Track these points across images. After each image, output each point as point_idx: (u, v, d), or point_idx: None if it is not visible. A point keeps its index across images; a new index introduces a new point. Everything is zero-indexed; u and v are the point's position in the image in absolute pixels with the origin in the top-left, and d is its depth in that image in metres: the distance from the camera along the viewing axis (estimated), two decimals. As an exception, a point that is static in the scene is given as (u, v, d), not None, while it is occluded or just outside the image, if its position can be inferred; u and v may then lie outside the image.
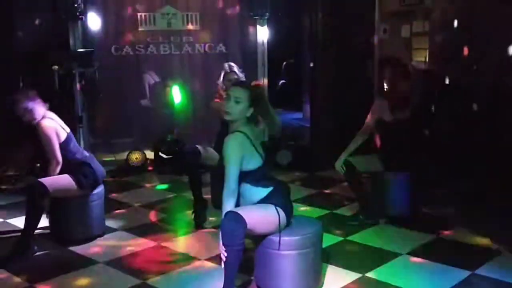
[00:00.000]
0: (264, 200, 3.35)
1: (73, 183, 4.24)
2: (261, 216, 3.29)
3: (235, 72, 4.89)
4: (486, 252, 4.06)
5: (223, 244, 3.12)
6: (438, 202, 5.08)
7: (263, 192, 3.37)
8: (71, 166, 4.29)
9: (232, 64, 5.02)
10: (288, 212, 3.39)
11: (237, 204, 3.33)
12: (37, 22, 6.13)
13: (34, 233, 4.14)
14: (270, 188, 3.39)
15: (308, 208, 5.17)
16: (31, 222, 4.07)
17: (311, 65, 6.72)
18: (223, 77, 4.90)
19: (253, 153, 3.36)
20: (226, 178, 3.28)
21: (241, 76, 4.90)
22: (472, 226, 4.54)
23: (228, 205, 3.26)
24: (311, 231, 3.40)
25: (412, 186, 4.72)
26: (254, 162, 3.37)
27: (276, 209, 3.31)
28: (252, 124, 3.45)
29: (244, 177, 3.34)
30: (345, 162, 4.60)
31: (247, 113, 3.39)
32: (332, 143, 6.31)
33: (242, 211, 3.20)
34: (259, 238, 3.39)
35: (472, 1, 5.46)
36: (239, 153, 3.29)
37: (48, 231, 4.47)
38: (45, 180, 4.14)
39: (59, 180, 4.22)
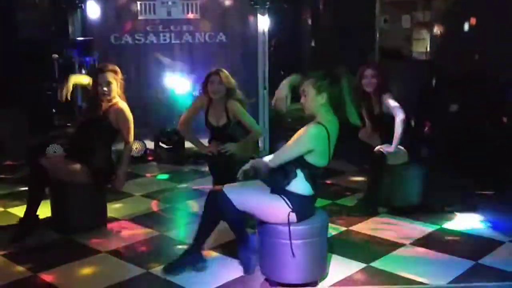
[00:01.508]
0: (295, 197, 3.27)
1: (84, 172, 4.20)
2: (268, 209, 3.30)
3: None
4: (490, 242, 4.07)
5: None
6: (442, 192, 5.09)
7: (305, 190, 3.30)
8: (102, 156, 4.27)
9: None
10: (302, 219, 3.33)
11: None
12: (37, 10, 6.08)
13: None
14: (312, 192, 3.34)
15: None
16: (31, 204, 4.10)
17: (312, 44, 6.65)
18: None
19: (324, 152, 3.28)
20: (279, 155, 3.26)
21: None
22: (475, 216, 4.56)
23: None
24: (317, 221, 3.39)
25: (422, 176, 4.73)
26: (320, 160, 3.29)
27: (290, 212, 3.26)
28: (332, 112, 3.31)
29: (303, 166, 3.26)
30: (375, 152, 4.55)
31: (320, 101, 3.28)
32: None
33: (246, 197, 3.26)
34: (263, 226, 3.39)
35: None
36: (312, 145, 3.22)
37: (50, 219, 4.44)
38: (53, 163, 4.15)
39: (70, 166, 4.20)
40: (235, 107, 4.36)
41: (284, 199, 3.27)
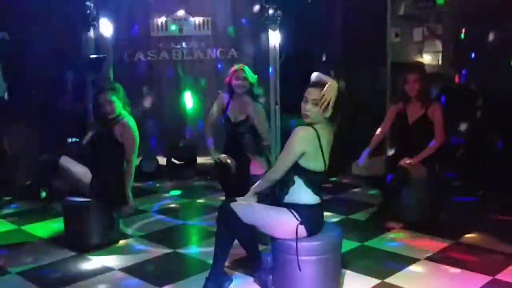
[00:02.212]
0: (301, 209, 3.23)
1: (87, 184, 4.25)
2: (276, 223, 3.26)
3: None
4: (507, 257, 4.00)
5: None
6: (456, 207, 5.05)
7: (309, 198, 3.26)
8: (111, 173, 4.29)
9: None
10: (313, 231, 3.31)
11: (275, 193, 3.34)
12: (50, 28, 6.14)
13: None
14: (317, 199, 3.30)
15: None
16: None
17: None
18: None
19: (317, 155, 3.22)
20: (277, 166, 3.23)
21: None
22: (492, 231, 4.50)
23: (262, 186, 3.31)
24: (331, 236, 3.36)
25: (434, 191, 4.70)
26: (315, 164, 3.24)
27: (298, 225, 3.21)
28: (331, 126, 3.30)
29: (301, 173, 3.22)
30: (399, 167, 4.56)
31: (326, 114, 3.24)
32: (345, 150, 6.27)
33: (252, 210, 3.23)
34: (274, 241, 3.37)
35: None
36: (302, 147, 3.17)
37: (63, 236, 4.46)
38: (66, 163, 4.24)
39: (79, 173, 4.28)
40: (258, 107, 4.58)
41: (291, 212, 3.23)
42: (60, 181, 4.26)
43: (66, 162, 4.27)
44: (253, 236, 3.40)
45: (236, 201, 3.34)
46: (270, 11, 6.48)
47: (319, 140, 3.20)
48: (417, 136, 4.70)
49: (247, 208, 3.28)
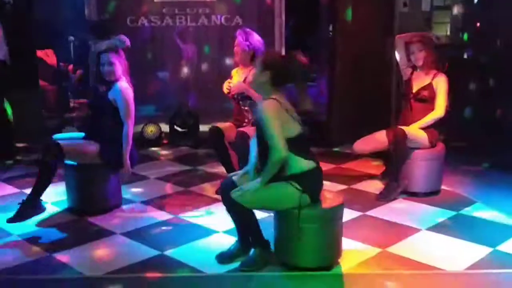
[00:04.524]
0: (300, 178, 3.22)
1: (96, 153, 4.20)
2: (280, 199, 3.26)
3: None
4: (508, 229, 4.00)
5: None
6: (459, 178, 5.03)
7: (303, 165, 3.24)
8: (115, 136, 4.23)
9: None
10: (316, 197, 3.32)
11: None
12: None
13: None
14: (312, 164, 3.29)
15: (326, 183, 5.10)
16: (41, 182, 4.09)
17: (330, 34, 6.54)
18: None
19: (289, 120, 3.22)
20: (274, 145, 3.13)
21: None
22: (494, 203, 4.49)
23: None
24: (332, 205, 3.35)
25: (438, 162, 4.68)
26: (292, 129, 3.23)
27: (301, 195, 3.22)
28: (281, 92, 3.29)
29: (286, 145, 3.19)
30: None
31: (263, 79, 3.25)
32: (349, 119, 6.24)
33: (252, 196, 3.21)
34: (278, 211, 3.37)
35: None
36: (277, 117, 3.15)
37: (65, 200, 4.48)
38: (66, 144, 4.13)
39: (83, 147, 4.21)
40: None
41: (291, 184, 3.22)
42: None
43: (67, 145, 4.19)
44: (256, 220, 3.41)
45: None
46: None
47: (283, 107, 3.21)
48: (418, 106, 4.65)
49: (247, 193, 3.23)
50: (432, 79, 4.64)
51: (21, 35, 5.93)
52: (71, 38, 6.14)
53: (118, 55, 4.27)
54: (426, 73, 4.68)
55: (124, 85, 4.23)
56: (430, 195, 4.65)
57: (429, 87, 4.63)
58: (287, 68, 3.29)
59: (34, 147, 6.07)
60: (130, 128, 4.21)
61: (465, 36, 6.27)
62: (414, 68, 4.77)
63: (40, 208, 4.16)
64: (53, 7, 6.38)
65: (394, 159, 4.60)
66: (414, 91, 4.70)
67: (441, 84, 4.60)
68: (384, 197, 4.57)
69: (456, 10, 6.41)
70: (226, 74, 5.14)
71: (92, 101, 4.58)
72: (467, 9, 6.21)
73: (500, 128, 5.64)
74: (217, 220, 4.18)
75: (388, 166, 4.83)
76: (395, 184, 4.61)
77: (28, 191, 4.86)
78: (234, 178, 3.47)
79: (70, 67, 5.72)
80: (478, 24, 6.04)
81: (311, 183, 3.27)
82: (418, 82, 4.71)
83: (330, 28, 6.50)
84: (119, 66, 4.25)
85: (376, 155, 5.30)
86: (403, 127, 4.57)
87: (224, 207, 3.47)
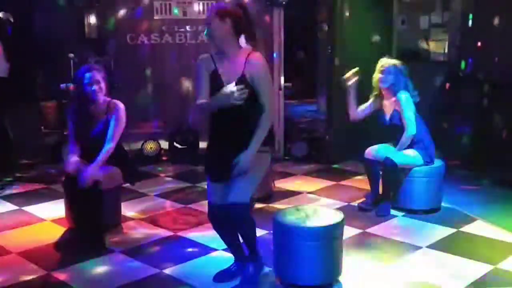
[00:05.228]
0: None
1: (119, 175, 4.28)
2: (259, 176, 3.28)
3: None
4: (509, 247, 3.98)
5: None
6: (459, 196, 5.02)
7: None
8: (121, 156, 4.28)
9: None
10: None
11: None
12: (53, 9, 6.11)
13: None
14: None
15: (325, 200, 5.11)
16: None
17: (329, 51, 6.58)
18: None
19: None
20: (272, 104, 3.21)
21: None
22: (494, 220, 4.48)
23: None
24: (333, 222, 3.34)
25: (438, 180, 4.68)
26: None
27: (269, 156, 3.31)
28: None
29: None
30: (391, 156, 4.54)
31: (225, 27, 3.15)
32: (348, 136, 6.24)
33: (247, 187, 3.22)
34: (277, 227, 3.36)
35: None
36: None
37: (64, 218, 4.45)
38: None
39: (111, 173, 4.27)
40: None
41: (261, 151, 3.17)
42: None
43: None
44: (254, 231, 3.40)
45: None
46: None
47: None
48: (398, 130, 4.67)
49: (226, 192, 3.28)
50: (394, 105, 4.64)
51: (20, 52, 5.96)
52: (71, 55, 6.15)
53: (100, 72, 4.24)
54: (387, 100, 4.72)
55: (122, 105, 4.24)
56: (430, 212, 4.65)
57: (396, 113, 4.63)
58: (245, 14, 3.23)
59: (34, 164, 6.07)
60: (109, 152, 4.15)
61: (462, 54, 6.31)
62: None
63: None
64: (53, 24, 6.39)
65: (389, 186, 4.67)
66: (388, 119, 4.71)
67: (400, 104, 4.57)
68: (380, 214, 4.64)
69: (453, 27, 6.47)
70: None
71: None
72: (464, 27, 6.26)
73: (498, 145, 5.65)
74: (217, 238, 4.15)
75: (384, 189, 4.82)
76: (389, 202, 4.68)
77: (27, 208, 4.89)
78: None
79: (71, 87, 5.69)
80: (475, 42, 6.08)
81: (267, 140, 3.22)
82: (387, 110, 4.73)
83: (329, 47, 6.54)
84: (104, 86, 4.22)
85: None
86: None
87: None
